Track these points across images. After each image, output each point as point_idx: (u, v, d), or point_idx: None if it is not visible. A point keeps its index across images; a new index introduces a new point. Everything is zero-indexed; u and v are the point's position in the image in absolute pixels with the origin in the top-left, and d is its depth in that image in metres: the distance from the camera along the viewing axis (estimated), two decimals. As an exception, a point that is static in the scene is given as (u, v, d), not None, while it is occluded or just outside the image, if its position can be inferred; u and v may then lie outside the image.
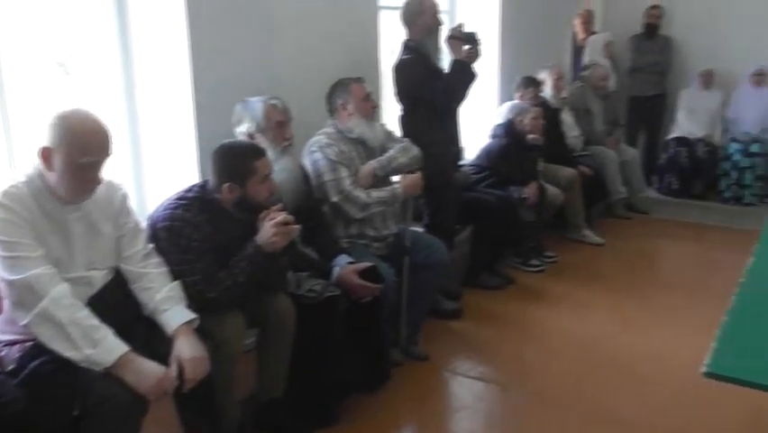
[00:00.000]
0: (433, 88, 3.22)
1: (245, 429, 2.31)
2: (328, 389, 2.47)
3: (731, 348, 1.56)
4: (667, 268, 4.72)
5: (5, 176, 1.96)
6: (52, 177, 1.75)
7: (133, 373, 1.71)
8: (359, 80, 2.90)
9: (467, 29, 3.31)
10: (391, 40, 3.59)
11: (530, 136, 4.13)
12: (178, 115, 2.66)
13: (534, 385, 2.86)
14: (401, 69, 3.29)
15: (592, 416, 2.62)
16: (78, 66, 2.61)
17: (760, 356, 1.55)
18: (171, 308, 1.92)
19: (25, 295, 1.70)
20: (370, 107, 2.92)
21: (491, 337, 3.32)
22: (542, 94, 4.65)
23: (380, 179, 2.89)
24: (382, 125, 3.06)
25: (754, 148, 5.35)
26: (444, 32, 3.33)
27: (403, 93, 3.32)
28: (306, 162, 2.81)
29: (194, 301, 1.99)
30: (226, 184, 2.14)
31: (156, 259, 2.01)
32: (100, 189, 1.85)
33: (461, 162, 4.01)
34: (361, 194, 2.79)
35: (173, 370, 1.81)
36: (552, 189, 4.32)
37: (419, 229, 3.32)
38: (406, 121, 3.37)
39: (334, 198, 2.76)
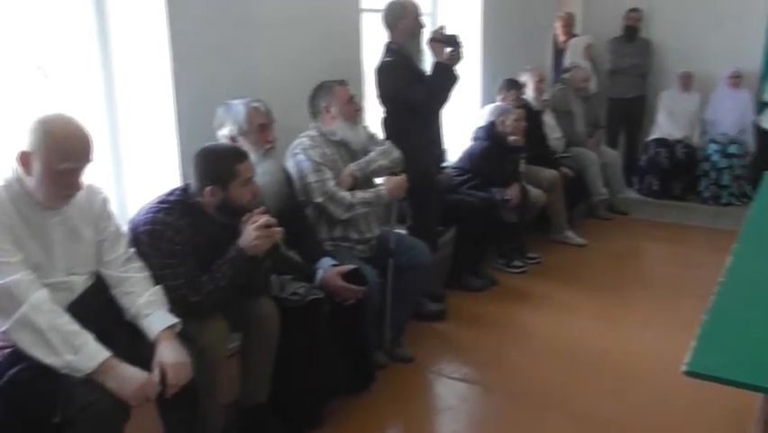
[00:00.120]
0: (415, 91, 3.23)
1: (229, 434, 2.30)
2: (313, 392, 2.47)
3: (711, 347, 1.57)
4: (648, 268, 4.77)
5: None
6: (31, 182, 1.73)
7: (115, 379, 1.69)
8: (342, 83, 2.90)
9: (448, 31, 3.32)
10: (373, 42, 3.59)
11: (511, 138, 4.16)
12: (159, 117, 2.64)
13: (518, 386, 2.87)
14: (383, 72, 3.29)
15: (575, 416, 2.64)
16: (57, 69, 2.58)
17: (739, 355, 1.57)
18: (153, 313, 1.90)
19: (4, 301, 1.67)
20: (354, 110, 2.92)
21: (475, 338, 3.33)
22: (523, 96, 4.68)
23: (361, 182, 2.89)
24: (365, 128, 3.07)
25: (732, 149, 5.43)
26: (426, 35, 3.34)
27: (385, 95, 3.33)
28: (290, 164, 2.80)
29: (176, 306, 1.98)
30: (208, 187, 2.13)
31: (137, 263, 1.99)
32: (80, 194, 1.83)
33: (444, 164, 4.03)
34: (345, 194, 2.79)
35: (155, 375, 1.79)
36: (534, 191, 4.35)
37: (402, 231, 3.32)
38: (388, 123, 3.37)
39: (319, 199, 2.76)
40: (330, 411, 2.56)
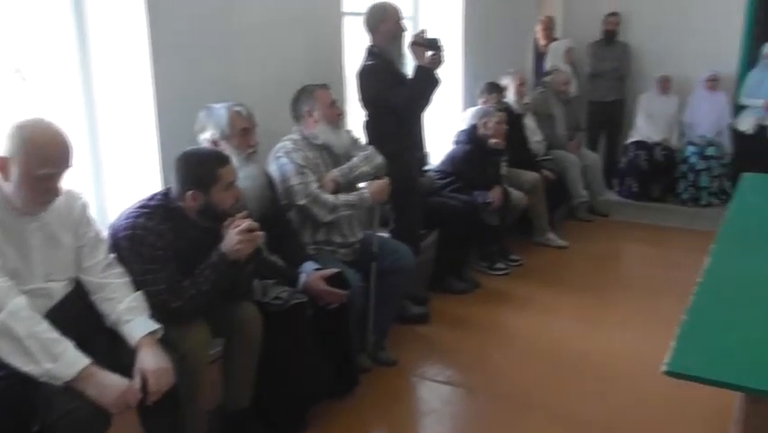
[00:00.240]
0: (397, 94, 3.24)
1: (212, 440, 2.28)
2: (296, 397, 2.46)
3: (690, 347, 1.59)
4: (628, 269, 4.82)
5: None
6: (9, 187, 1.71)
7: (95, 387, 1.67)
8: (324, 87, 2.90)
9: (430, 35, 3.33)
10: (355, 46, 3.59)
11: (492, 141, 4.18)
12: (139, 121, 2.62)
13: (501, 387, 2.89)
14: (365, 75, 3.30)
15: (558, 417, 2.66)
16: (36, 72, 2.55)
17: (718, 354, 1.59)
18: (134, 319, 1.88)
19: (-19, 308, 1.65)
20: (336, 114, 2.92)
21: (458, 341, 3.34)
22: (505, 99, 4.72)
23: (343, 188, 2.89)
24: (348, 132, 3.07)
25: (710, 151, 5.51)
26: (408, 38, 3.35)
27: (367, 99, 3.33)
28: (272, 168, 2.79)
29: (157, 311, 1.96)
30: (190, 192, 2.11)
31: (118, 269, 1.97)
32: (59, 199, 1.81)
33: (426, 168, 4.04)
34: (329, 197, 2.79)
35: (136, 382, 1.78)
36: (515, 193, 4.38)
37: (385, 235, 3.32)
38: (370, 127, 3.37)
39: (302, 202, 2.75)
40: (314, 415, 2.55)
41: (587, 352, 3.19)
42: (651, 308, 3.67)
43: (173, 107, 2.59)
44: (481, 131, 4.21)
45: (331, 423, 2.58)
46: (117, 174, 2.69)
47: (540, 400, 2.78)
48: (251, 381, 2.33)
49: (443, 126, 4.69)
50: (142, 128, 2.62)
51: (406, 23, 3.48)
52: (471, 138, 4.22)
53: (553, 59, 5.76)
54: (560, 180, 4.99)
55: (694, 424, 2.57)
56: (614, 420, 2.62)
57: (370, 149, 3.06)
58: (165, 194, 2.18)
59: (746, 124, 5.49)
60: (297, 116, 2.89)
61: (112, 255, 1.99)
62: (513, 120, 4.57)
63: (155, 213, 2.10)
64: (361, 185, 2.98)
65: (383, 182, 2.96)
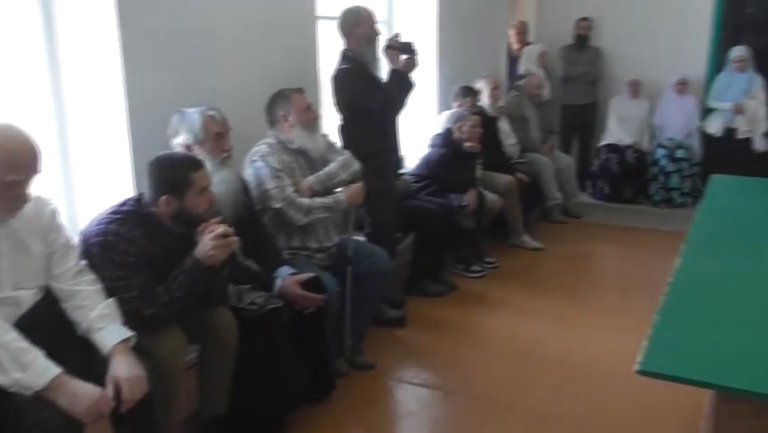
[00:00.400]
0: (372, 98, 3.24)
1: (187, 448, 2.26)
2: (273, 402, 2.44)
3: (662, 346, 1.62)
4: (602, 270, 4.88)
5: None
6: (-25, 193, 1.67)
7: (66, 396, 1.65)
8: (299, 91, 2.89)
9: (404, 39, 3.35)
10: (330, 50, 3.59)
11: (467, 144, 4.20)
12: (110, 126, 2.58)
13: (478, 389, 2.90)
14: (340, 79, 3.30)
15: (534, 417, 2.68)
16: (2, 76, 2.49)
17: (689, 353, 1.62)
18: (106, 327, 1.85)
19: (-52, 318, 1.61)
20: (312, 118, 2.91)
21: (435, 344, 3.35)
22: (479, 103, 4.75)
23: (319, 194, 2.88)
24: (324, 136, 3.06)
25: (680, 153, 5.62)
26: (382, 42, 3.36)
27: (342, 103, 3.33)
28: (248, 172, 2.78)
29: (131, 319, 1.94)
30: (163, 197, 2.09)
31: (89, 276, 1.94)
32: (28, 206, 1.77)
33: (402, 171, 4.04)
34: (304, 200, 2.79)
35: (109, 390, 1.75)
36: (490, 196, 4.41)
37: (361, 238, 3.32)
38: (345, 130, 3.37)
39: (278, 205, 2.74)
40: (291, 421, 2.54)
41: (562, 352, 3.23)
42: (624, 307, 3.72)
43: (145, 111, 2.56)
44: (456, 135, 4.23)
45: (308, 428, 2.57)
46: (88, 180, 2.64)
47: (516, 400, 2.80)
48: (227, 387, 2.31)
49: (419, 130, 4.70)
50: (114, 132, 2.58)
51: (381, 26, 3.49)
52: (447, 141, 4.24)
53: (527, 63, 5.82)
54: (534, 183, 5.04)
55: (669, 422, 2.61)
56: (590, 420, 2.65)
57: (347, 154, 3.05)
58: (137, 199, 2.16)
59: (715, 126, 5.61)
60: (273, 121, 2.87)
61: (83, 262, 1.96)
62: (487, 123, 4.60)
63: (127, 219, 2.07)
64: (337, 190, 2.98)
65: (358, 186, 2.97)
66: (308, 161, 2.91)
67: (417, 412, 2.80)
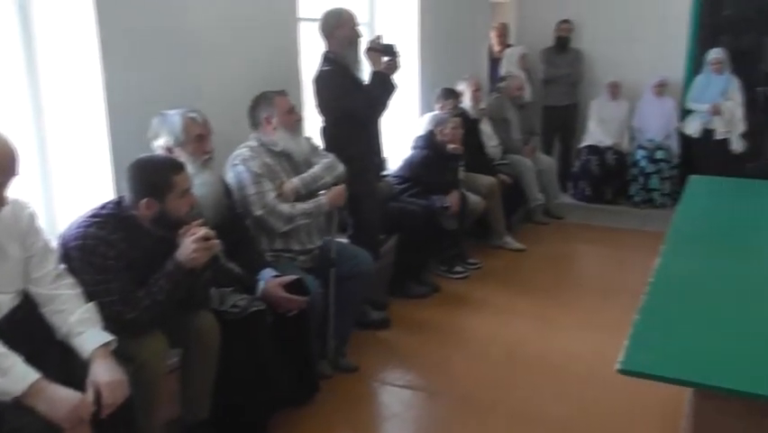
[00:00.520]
0: (354, 100, 3.24)
1: (169, 453, 2.24)
2: (256, 405, 2.43)
3: (643, 345, 1.64)
4: (584, 270, 4.92)
5: None
6: (-49, 197, 1.65)
7: (45, 402, 1.62)
8: (283, 93, 2.89)
9: (385, 41, 3.35)
10: (311, 52, 3.58)
11: (449, 146, 4.22)
12: (90, 128, 2.55)
13: (461, 390, 2.91)
14: (321, 81, 3.29)
15: (517, 417, 2.69)
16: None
17: (669, 352, 1.64)
18: (86, 331, 1.83)
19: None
20: (295, 120, 2.91)
21: (418, 345, 3.35)
22: (461, 105, 4.77)
23: (303, 197, 2.88)
24: (307, 139, 3.05)
25: (659, 154, 5.69)
26: (364, 44, 3.36)
27: (324, 105, 3.32)
28: (229, 175, 2.76)
29: (111, 323, 1.91)
30: (144, 200, 2.07)
31: (68, 280, 1.92)
32: (5, 209, 1.75)
33: (384, 173, 4.05)
34: (285, 207, 2.77)
35: (89, 395, 1.73)
36: (473, 198, 4.43)
37: (344, 240, 3.32)
38: (328, 133, 3.37)
39: (258, 212, 2.73)
40: (274, 424, 2.53)
41: (544, 352, 3.25)
42: (605, 307, 3.75)
43: (125, 113, 2.53)
44: (439, 137, 4.24)
45: (292, 431, 2.56)
46: (67, 183, 2.61)
47: (499, 401, 2.81)
48: (209, 391, 2.30)
49: (401, 132, 4.71)
50: (93, 135, 2.55)
51: (362, 28, 3.49)
52: (429, 143, 4.25)
53: (508, 66, 5.86)
54: (516, 184, 5.07)
55: (650, 421, 2.64)
56: (573, 420, 2.66)
57: (331, 157, 3.04)
58: (118, 202, 2.13)
59: (693, 127, 5.69)
60: (256, 123, 2.86)
61: (62, 266, 1.94)
62: (469, 125, 4.63)
63: (107, 222, 2.05)
64: (320, 192, 2.97)
65: (340, 188, 2.97)
66: (292, 163, 2.90)
67: (401, 414, 2.80)
